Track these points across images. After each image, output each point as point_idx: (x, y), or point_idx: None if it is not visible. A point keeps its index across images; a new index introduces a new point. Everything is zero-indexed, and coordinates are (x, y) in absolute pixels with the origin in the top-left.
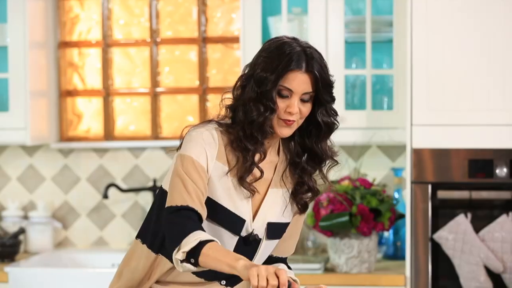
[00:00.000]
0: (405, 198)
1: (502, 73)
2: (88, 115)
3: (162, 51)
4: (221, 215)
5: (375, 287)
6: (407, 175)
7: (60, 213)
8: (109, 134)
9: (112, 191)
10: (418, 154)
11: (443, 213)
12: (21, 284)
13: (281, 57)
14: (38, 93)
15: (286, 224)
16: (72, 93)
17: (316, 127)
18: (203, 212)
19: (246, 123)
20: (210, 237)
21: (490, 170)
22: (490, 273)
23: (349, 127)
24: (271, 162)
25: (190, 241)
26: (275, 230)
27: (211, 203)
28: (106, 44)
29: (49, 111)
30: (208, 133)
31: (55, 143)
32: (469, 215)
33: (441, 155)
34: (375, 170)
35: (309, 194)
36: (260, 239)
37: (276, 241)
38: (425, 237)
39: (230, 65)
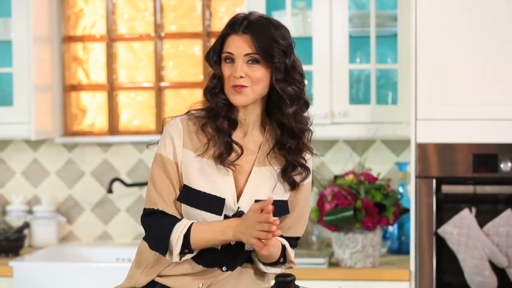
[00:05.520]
0: (410, 193)
1: (507, 67)
2: (92, 110)
3: (166, 45)
4: (198, 199)
5: (380, 282)
6: (411, 169)
7: (64, 207)
8: (113, 128)
9: (116, 186)
10: (422, 148)
11: (447, 207)
12: (26, 278)
13: (225, 26)
14: (42, 88)
15: (279, 202)
16: (76, 87)
17: (277, 96)
18: (173, 211)
19: (207, 101)
20: (188, 223)
21: (494, 164)
22: (494, 267)
23: (354, 122)
24: (255, 141)
25: (175, 240)
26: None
27: (187, 190)
28: (111, 38)
29: (54, 106)
30: (174, 123)
31: (60, 137)
32: (474, 209)
33: (446, 150)
34: (380, 165)
35: (297, 172)
36: None
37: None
38: (430, 231)
39: None
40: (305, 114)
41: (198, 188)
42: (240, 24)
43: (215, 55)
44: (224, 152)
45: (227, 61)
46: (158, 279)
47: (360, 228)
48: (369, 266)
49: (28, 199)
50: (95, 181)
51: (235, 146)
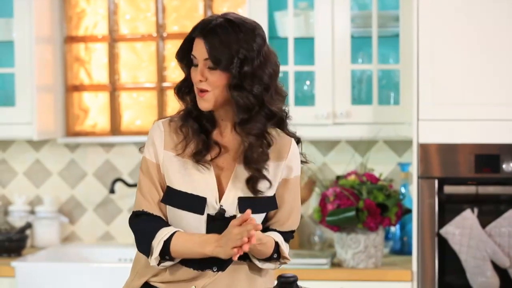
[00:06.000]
0: (412, 193)
1: (509, 67)
2: (94, 110)
3: (168, 46)
4: (179, 199)
5: (382, 282)
6: (413, 170)
7: (66, 208)
8: (115, 129)
9: (118, 186)
10: (424, 149)
11: (449, 208)
12: (28, 278)
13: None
14: (44, 88)
15: (265, 198)
16: (78, 88)
17: (234, 102)
18: (158, 212)
19: (178, 99)
20: (171, 231)
21: (496, 165)
22: (496, 268)
23: (356, 122)
24: (236, 139)
25: (156, 245)
26: (251, 205)
27: (169, 190)
28: (113, 39)
29: (56, 106)
30: (156, 125)
31: (62, 138)
32: (476, 210)
33: (448, 150)
34: (382, 165)
35: (261, 184)
36: (229, 215)
37: (260, 215)
38: (432, 232)
39: None
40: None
41: (179, 188)
42: (201, 27)
43: (182, 55)
44: (201, 149)
45: (194, 63)
46: (152, 282)
47: (362, 229)
48: (371, 266)
49: (31, 199)
50: (97, 182)
51: (213, 144)
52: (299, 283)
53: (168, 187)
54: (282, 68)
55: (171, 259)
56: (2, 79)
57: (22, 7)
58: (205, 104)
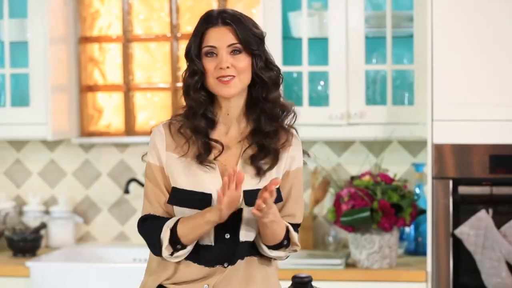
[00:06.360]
0: (426, 194)
1: None
2: (108, 110)
3: (182, 46)
4: (185, 198)
5: (396, 283)
6: (428, 170)
7: (81, 208)
8: (129, 129)
9: (133, 186)
10: (439, 149)
11: (464, 208)
12: (43, 279)
13: (199, 22)
14: (58, 88)
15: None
16: (92, 88)
17: (261, 84)
18: (164, 214)
19: (186, 99)
20: (175, 219)
21: (511, 165)
22: (511, 269)
23: (370, 123)
24: (240, 134)
25: (164, 236)
26: (256, 197)
27: (175, 191)
28: (127, 39)
29: (70, 106)
30: (156, 129)
31: (76, 138)
32: (490, 210)
33: (462, 151)
34: (396, 166)
35: (267, 159)
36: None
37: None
38: (446, 232)
39: None
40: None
41: (184, 187)
42: (217, 17)
43: (196, 50)
44: (203, 152)
45: (209, 55)
46: (165, 284)
47: (376, 229)
48: (385, 267)
49: (45, 199)
50: (112, 182)
51: (214, 144)
52: (313, 283)
53: (173, 187)
54: (296, 68)
55: (183, 246)
56: (16, 80)
57: (36, 7)
58: (232, 90)
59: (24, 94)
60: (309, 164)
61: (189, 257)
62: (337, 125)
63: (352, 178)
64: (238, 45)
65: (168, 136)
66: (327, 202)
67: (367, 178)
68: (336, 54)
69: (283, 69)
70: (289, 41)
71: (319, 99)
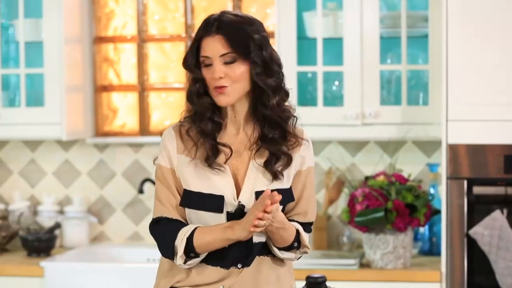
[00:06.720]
0: (441, 194)
1: None
2: (123, 110)
3: None
4: (197, 200)
5: (411, 283)
6: (442, 170)
7: (95, 208)
8: (144, 129)
9: (147, 186)
10: (453, 149)
11: (478, 209)
12: (57, 278)
13: (198, 29)
14: (73, 88)
15: (282, 190)
16: (107, 88)
17: (260, 91)
18: (177, 216)
19: (191, 105)
20: (192, 227)
21: None
22: None
23: (384, 123)
24: (249, 134)
25: (179, 243)
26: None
27: (186, 193)
28: (141, 39)
29: (85, 106)
30: (167, 132)
31: (91, 138)
32: (505, 211)
33: (477, 151)
34: (411, 166)
35: (281, 162)
36: (248, 210)
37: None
38: (461, 233)
39: None
40: (287, 103)
41: (195, 190)
42: (212, 25)
43: (193, 60)
44: (211, 155)
45: (205, 64)
46: (178, 286)
47: (391, 229)
48: (400, 267)
49: (60, 199)
50: (126, 182)
51: (222, 147)
52: (327, 283)
53: (185, 190)
54: (310, 68)
55: (196, 255)
56: (31, 80)
57: (51, 7)
58: (227, 98)
59: (39, 94)
60: (324, 164)
61: (203, 260)
62: (351, 125)
63: (367, 178)
64: (231, 55)
65: (178, 138)
66: (341, 202)
67: (381, 178)
68: (351, 54)
69: (298, 69)
70: (304, 41)
71: (334, 99)
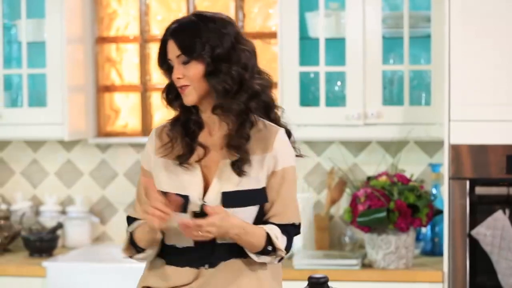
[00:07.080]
0: (443, 194)
1: None
2: (125, 111)
3: None
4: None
5: (413, 283)
6: (445, 171)
7: (97, 208)
8: (146, 129)
9: None
10: (456, 150)
11: (481, 209)
12: (59, 278)
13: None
14: (75, 89)
15: (251, 191)
16: (109, 88)
17: (214, 91)
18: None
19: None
20: (137, 224)
21: None
22: None
23: (387, 123)
24: (223, 136)
25: (124, 239)
26: (236, 199)
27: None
28: (144, 39)
29: (87, 107)
30: (151, 133)
31: (93, 138)
32: (507, 211)
33: (479, 151)
34: (413, 166)
35: (246, 163)
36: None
37: (246, 208)
38: (463, 233)
39: (268, 61)
40: (254, 104)
41: (164, 190)
42: (168, 29)
43: (165, 63)
44: (183, 154)
45: (171, 65)
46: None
47: (393, 229)
48: (402, 267)
49: (62, 199)
50: (128, 182)
51: (197, 147)
52: (329, 283)
53: (158, 190)
54: (313, 68)
55: (141, 249)
56: (33, 80)
57: (53, 7)
58: (187, 98)
59: (41, 94)
60: (326, 164)
61: (172, 261)
62: (354, 125)
63: (369, 178)
64: (183, 56)
65: (157, 139)
66: (344, 203)
67: (383, 178)
68: (353, 54)
69: (300, 69)
70: (306, 42)
71: (336, 99)
